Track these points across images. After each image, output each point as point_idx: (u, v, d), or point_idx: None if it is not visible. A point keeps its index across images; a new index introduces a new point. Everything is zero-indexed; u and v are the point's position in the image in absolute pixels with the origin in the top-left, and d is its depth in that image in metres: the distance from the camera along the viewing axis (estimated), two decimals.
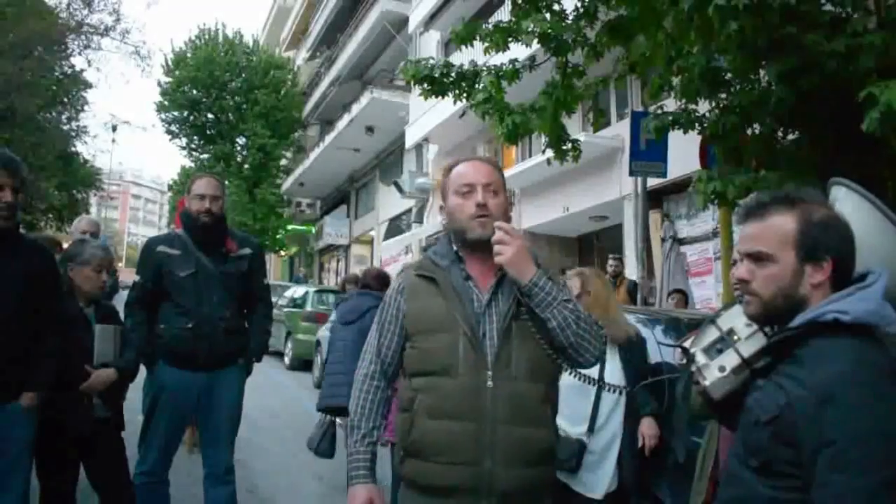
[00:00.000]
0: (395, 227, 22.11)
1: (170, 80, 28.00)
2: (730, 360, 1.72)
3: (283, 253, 33.57)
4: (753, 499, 1.49)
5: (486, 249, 2.05)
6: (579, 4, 5.97)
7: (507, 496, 1.98)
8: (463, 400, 1.99)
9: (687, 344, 1.89)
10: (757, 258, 1.59)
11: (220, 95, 27.96)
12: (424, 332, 2.08)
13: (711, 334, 1.79)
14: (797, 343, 1.51)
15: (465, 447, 1.97)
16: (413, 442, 2.03)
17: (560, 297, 2.01)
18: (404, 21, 20.05)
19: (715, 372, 1.73)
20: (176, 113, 28.30)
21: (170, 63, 28.20)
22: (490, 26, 6.28)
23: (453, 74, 6.36)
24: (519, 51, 6.33)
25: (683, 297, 8.49)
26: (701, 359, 1.77)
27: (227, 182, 25.97)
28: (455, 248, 2.17)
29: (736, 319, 1.74)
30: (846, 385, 1.37)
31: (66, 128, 25.16)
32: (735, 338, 1.74)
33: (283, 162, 29.54)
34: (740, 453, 1.56)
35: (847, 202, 1.70)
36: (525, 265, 2.00)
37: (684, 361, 1.94)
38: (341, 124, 22.10)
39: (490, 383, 1.99)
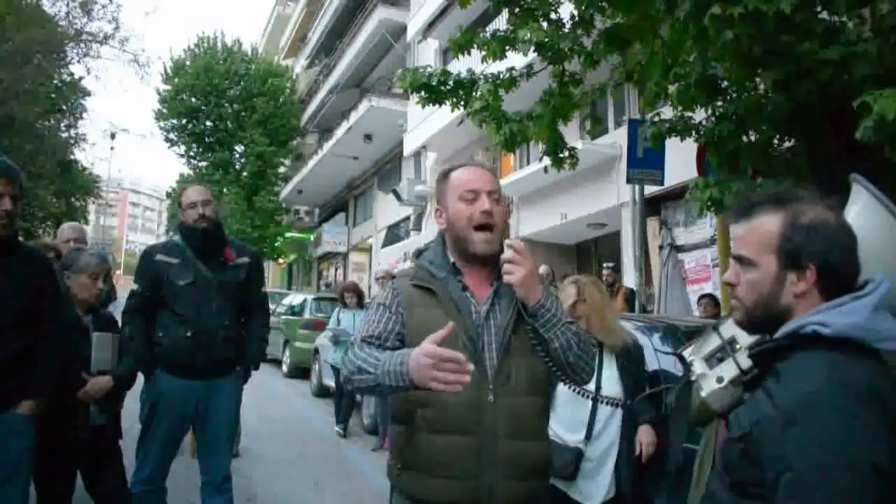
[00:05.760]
0: (394, 234, 22.10)
1: (168, 87, 27.98)
2: (728, 370, 1.66)
3: (281, 261, 33.54)
4: None
5: (485, 262, 2.05)
6: (576, 13, 6.00)
7: None
8: (464, 414, 1.97)
9: (686, 352, 1.86)
10: (741, 261, 1.50)
11: (218, 103, 27.93)
12: None
13: (713, 342, 1.74)
14: (779, 356, 1.41)
15: (465, 462, 1.95)
16: (412, 456, 2.01)
17: (564, 318, 2.01)
18: (402, 29, 20.11)
19: (712, 383, 1.67)
20: (174, 121, 28.28)
21: (168, 71, 28.20)
22: (488, 35, 6.30)
23: (451, 82, 6.38)
24: (516, 59, 6.36)
25: (713, 301, 8.23)
26: (699, 368, 1.73)
27: (225, 190, 26.05)
28: (451, 258, 2.13)
29: (738, 327, 1.67)
30: (811, 406, 1.26)
31: (64, 135, 25.20)
32: (737, 346, 1.68)
33: (282, 170, 29.52)
34: (719, 470, 1.48)
35: (857, 200, 1.62)
36: (533, 286, 1.97)
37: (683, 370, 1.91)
38: (340, 132, 22.10)
39: (491, 398, 1.98)
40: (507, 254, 1.95)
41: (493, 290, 2.07)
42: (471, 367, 1.80)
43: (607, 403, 2.96)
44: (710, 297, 8.29)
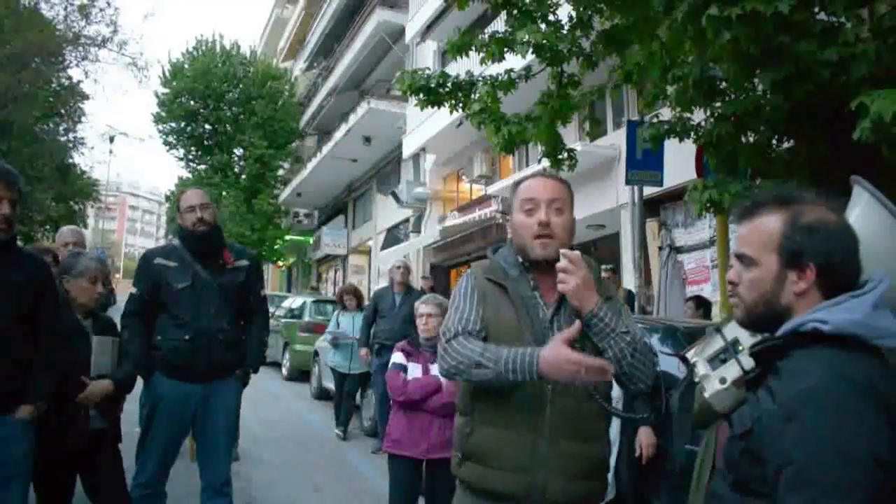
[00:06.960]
0: (393, 236, 22.08)
1: (167, 91, 27.98)
2: (731, 371, 1.67)
3: (280, 264, 33.53)
4: None
5: (550, 265, 2.08)
6: (574, 14, 6.00)
7: None
8: (523, 411, 2.03)
9: (689, 353, 1.86)
10: (742, 260, 1.51)
11: (217, 106, 27.96)
12: (492, 339, 2.08)
13: (716, 343, 1.74)
14: (780, 354, 1.42)
15: (520, 456, 2.02)
16: (472, 446, 2.09)
17: (618, 328, 2.02)
18: (401, 31, 20.10)
19: (715, 384, 1.68)
20: (173, 124, 28.27)
21: (167, 74, 28.21)
22: (486, 37, 6.31)
23: (449, 84, 6.38)
24: (514, 61, 6.36)
25: (696, 302, 8.22)
26: (702, 369, 1.73)
27: (224, 193, 26.05)
28: (521, 259, 2.19)
29: (741, 328, 1.67)
30: (811, 401, 1.28)
31: (63, 139, 25.21)
32: (740, 348, 1.68)
33: (281, 172, 29.52)
34: (721, 469, 1.49)
35: (858, 202, 1.62)
36: (587, 296, 1.99)
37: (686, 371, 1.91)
38: (338, 134, 22.07)
39: (550, 396, 2.03)
40: (562, 263, 1.98)
41: (560, 295, 2.09)
42: (611, 368, 1.95)
43: (612, 411, 2.95)
44: (696, 298, 8.31)
